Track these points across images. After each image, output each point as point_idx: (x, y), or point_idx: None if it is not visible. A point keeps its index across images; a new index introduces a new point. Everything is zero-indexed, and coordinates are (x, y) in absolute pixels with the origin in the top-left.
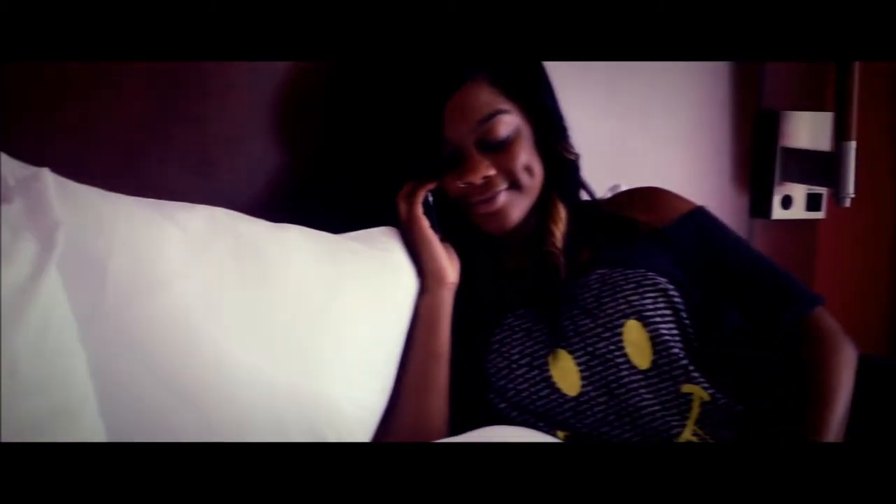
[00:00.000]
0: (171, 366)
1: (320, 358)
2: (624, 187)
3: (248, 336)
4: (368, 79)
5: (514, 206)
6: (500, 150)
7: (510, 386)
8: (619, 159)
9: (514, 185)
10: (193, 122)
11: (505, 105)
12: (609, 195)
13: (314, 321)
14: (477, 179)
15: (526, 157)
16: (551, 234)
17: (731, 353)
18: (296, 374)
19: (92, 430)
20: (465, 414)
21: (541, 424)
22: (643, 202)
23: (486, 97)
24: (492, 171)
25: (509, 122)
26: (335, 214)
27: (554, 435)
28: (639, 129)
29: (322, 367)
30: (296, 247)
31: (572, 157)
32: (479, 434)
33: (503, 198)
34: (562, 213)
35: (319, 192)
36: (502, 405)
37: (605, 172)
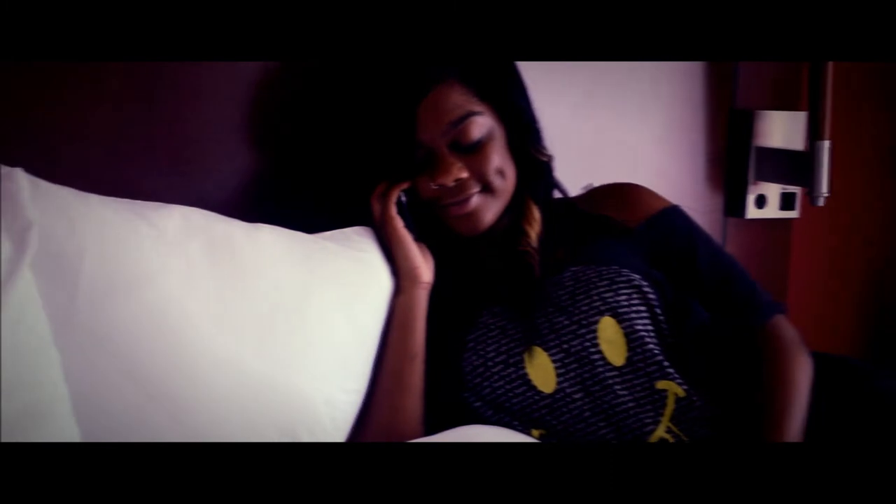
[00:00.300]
0: (146, 365)
1: (295, 358)
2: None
3: (223, 336)
4: (342, 79)
5: (487, 209)
6: (473, 152)
7: (486, 384)
8: (594, 159)
9: (487, 189)
10: (168, 123)
11: (478, 107)
12: (582, 194)
13: (289, 321)
14: (449, 182)
15: (498, 159)
16: (526, 234)
17: (704, 350)
18: (270, 375)
19: (65, 430)
20: (441, 414)
21: (516, 423)
22: (618, 199)
23: (459, 99)
24: (464, 174)
25: (482, 124)
26: (309, 214)
27: (529, 433)
28: (614, 129)
29: (297, 367)
30: (270, 246)
31: (545, 159)
32: (453, 434)
33: (475, 200)
34: (536, 214)
35: (294, 192)
36: (477, 404)
37: (579, 172)
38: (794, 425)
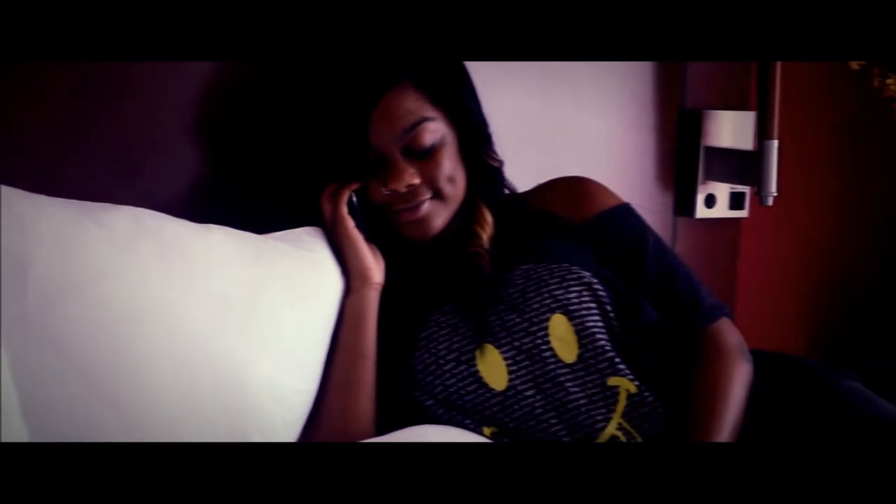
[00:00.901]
0: (96, 367)
1: (245, 358)
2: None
3: (173, 337)
4: (295, 82)
5: (437, 216)
6: (425, 157)
7: (437, 382)
8: (544, 159)
9: (438, 195)
10: (117, 123)
11: (430, 112)
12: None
13: (240, 321)
14: (401, 187)
15: (450, 166)
16: (477, 236)
17: (655, 347)
18: (221, 375)
19: (14, 431)
20: (392, 414)
21: (467, 422)
22: (568, 193)
23: (412, 104)
24: (416, 180)
25: (435, 130)
26: (260, 215)
27: (480, 432)
28: (564, 129)
29: (247, 368)
30: (221, 247)
31: (496, 164)
32: (405, 434)
33: (426, 207)
34: (487, 217)
35: (244, 193)
36: (429, 402)
37: (529, 172)
38: (723, 433)
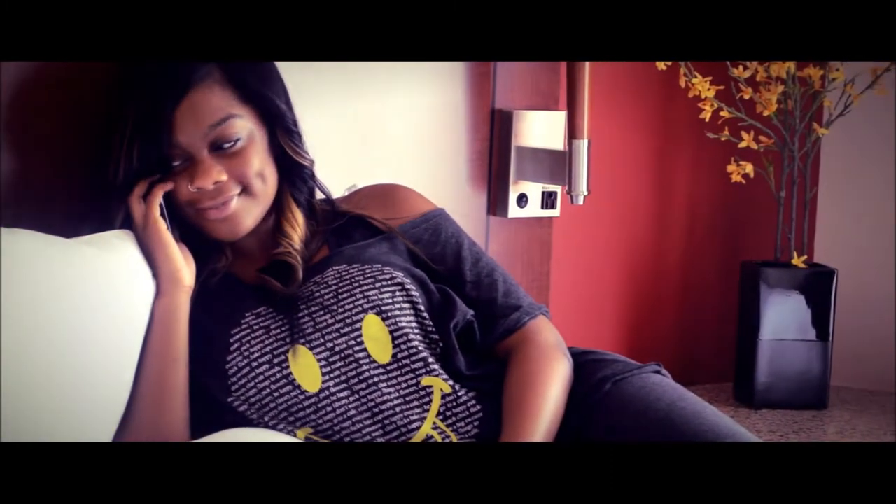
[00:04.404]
0: None
1: (55, 363)
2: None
3: None
4: (100, 79)
5: (247, 213)
6: (233, 154)
7: (251, 385)
8: (356, 161)
9: (246, 192)
10: None
11: (238, 109)
12: (346, 195)
13: (47, 327)
14: (208, 184)
15: (259, 162)
16: (287, 236)
17: (471, 347)
18: (31, 379)
19: None
20: (206, 417)
21: (281, 425)
22: (382, 199)
23: (219, 101)
24: (224, 177)
25: (242, 127)
26: (67, 218)
27: (294, 434)
28: (375, 131)
29: (57, 373)
30: (27, 252)
31: (307, 163)
32: (218, 437)
33: (235, 204)
34: (298, 216)
35: (51, 196)
36: (242, 407)
37: (341, 173)
38: (539, 431)
